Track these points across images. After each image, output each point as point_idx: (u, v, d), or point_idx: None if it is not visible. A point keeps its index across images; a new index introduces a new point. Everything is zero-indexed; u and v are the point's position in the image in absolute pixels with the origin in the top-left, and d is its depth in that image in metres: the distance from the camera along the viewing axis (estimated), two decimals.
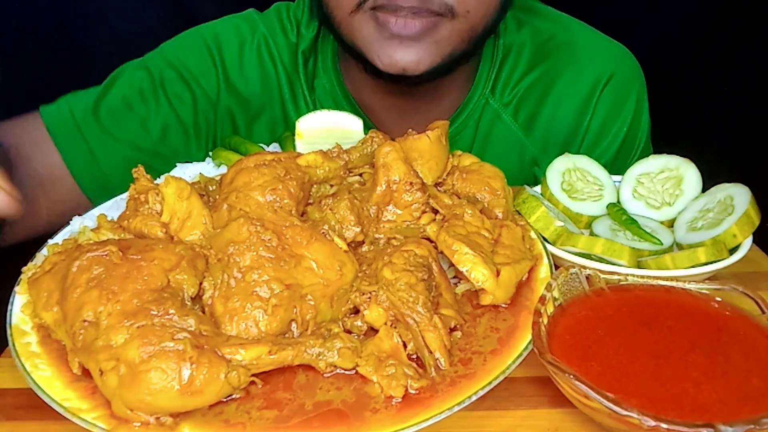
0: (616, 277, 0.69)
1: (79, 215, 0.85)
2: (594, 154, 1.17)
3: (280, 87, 1.18)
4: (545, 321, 0.63)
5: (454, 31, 0.98)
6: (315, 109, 1.17)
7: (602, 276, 0.69)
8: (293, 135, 0.96)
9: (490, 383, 0.60)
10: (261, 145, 1.05)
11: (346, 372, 0.62)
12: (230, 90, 1.17)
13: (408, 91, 1.12)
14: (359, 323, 0.67)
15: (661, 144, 1.24)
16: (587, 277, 0.68)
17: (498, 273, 0.70)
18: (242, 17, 1.20)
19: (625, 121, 1.17)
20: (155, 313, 0.59)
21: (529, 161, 1.18)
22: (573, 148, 1.17)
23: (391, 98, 1.13)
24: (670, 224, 0.89)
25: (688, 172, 0.89)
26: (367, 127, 1.16)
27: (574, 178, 0.93)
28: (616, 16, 1.26)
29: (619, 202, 0.92)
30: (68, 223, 0.83)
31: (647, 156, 0.94)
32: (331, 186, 0.82)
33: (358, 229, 0.75)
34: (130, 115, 1.08)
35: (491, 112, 1.17)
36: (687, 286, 0.67)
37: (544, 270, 0.76)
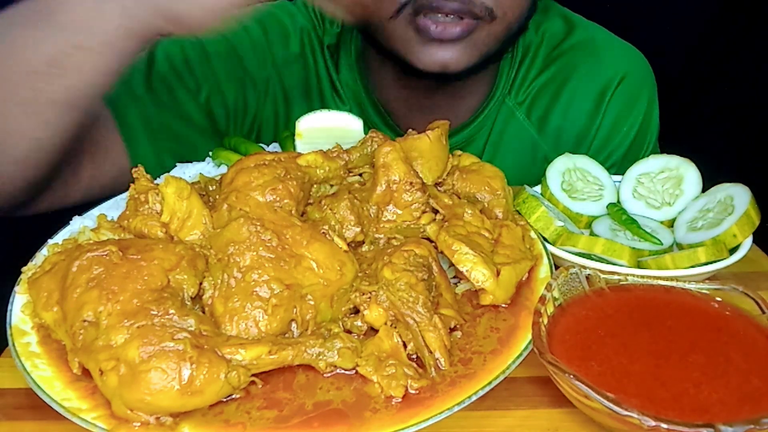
0: (616, 277, 0.69)
1: (79, 215, 0.85)
2: (604, 153, 1.19)
3: (319, 77, 1.19)
4: (545, 321, 0.63)
5: (491, 34, 1.00)
6: (340, 104, 1.18)
7: (602, 276, 0.69)
8: (293, 135, 0.96)
9: (490, 383, 0.60)
10: (261, 144, 1.05)
11: (346, 372, 0.62)
12: (278, 77, 1.17)
13: (434, 89, 1.13)
14: (359, 323, 0.67)
15: (661, 144, 1.24)
16: (587, 277, 0.69)
17: (498, 273, 0.70)
18: (281, 7, 1.20)
19: (635, 122, 1.19)
20: (155, 313, 0.59)
21: (542, 159, 1.19)
22: (584, 146, 1.19)
23: (415, 97, 1.14)
24: (670, 224, 0.89)
25: (688, 172, 0.90)
26: (389, 127, 1.17)
27: (574, 178, 0.93)
28: (616, 17, 1.26)
29: (619, 202, 0.92)
30: (68, 223, 0.83)
31: None
32: (331, 186, 0.82)
33: (358, 229, 0.75)
34: (180, 85, 1.07)
35: (506, 111, 1.18)
36: (687, 286, 0.67)
37: (544, 270, 0.76)
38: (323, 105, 1.20)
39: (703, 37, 1.76)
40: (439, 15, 0.95)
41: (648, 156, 1.13)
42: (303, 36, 1.18)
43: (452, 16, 0.96)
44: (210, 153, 1.00)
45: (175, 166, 0.97)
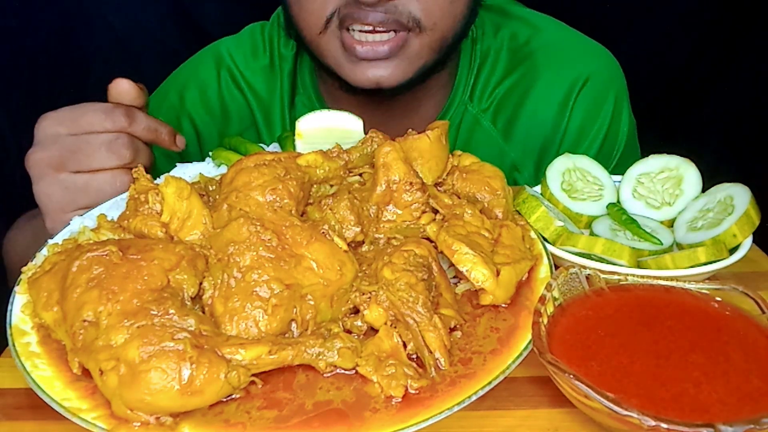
0: (616, 277, 0.69)
1: (79, 215, 0.85)
2: None
3: (252, 113, 1.21)
4: (545, 321, 0.63)
5: (424, 45, 0.98)
6: (292, 125, 1.18)
7: (602, 276, 0.69)
8: (293, 135, 0.96)
9: (490, 383, 0.60)
10: (261, 145, 1.05)
11: (346, 372, 0.62)
12: (194, 126, 1.22)
13: (385, 103, 1.12)
14: (359, 323, 0.67)
15: (660, 144, 1.24)
16: (587, 277, 0.68)
17: (498, 273, 0.70)
18: (209, 53, 1.25)
19: (603, 123, 1.17)
20: (155, 313, 0.59)
21: (510, 166, 1.18)
22: (551, 152, 1.17)
23: (368, 111, 1.11)
24: (670, 224, 0.89)
25: (688, 172, 0.89)
26: None
27: (574, 178, 0.93)
28: (615, 17, 1.26)
29: (619, 201, 0.92)
30: (68, 223, 0.83)
31: (631, 156, 0.93)
32: (331, 186, 0.82)
33: (358, 229, 0.75)
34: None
35: (470, 118, 1.17)
36: (687, 286, 0.67)
37: (544, 270, 0.76)
38: (268, 132, 1.22)
39: (702, 37, 1.76)
40: (367, 29, 0.94)
41: (621, 156, 1.13)
42: (227, 80, 1.23)
43: (380, 33, 0.95)
44: (210, 153, 1.00)
45: (176, 166, 0.97)
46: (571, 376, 0.55)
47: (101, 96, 0.90)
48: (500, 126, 1.17)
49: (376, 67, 0.97)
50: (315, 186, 0.80)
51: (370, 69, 0.97)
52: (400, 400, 0.59)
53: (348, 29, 0.96)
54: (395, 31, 0.95)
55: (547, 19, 1.23)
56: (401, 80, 0.99)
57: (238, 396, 0.60)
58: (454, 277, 0.75)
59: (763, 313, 0.63)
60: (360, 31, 0.95)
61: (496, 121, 1.17)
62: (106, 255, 0.64)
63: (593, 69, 1.17)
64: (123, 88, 0.89)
